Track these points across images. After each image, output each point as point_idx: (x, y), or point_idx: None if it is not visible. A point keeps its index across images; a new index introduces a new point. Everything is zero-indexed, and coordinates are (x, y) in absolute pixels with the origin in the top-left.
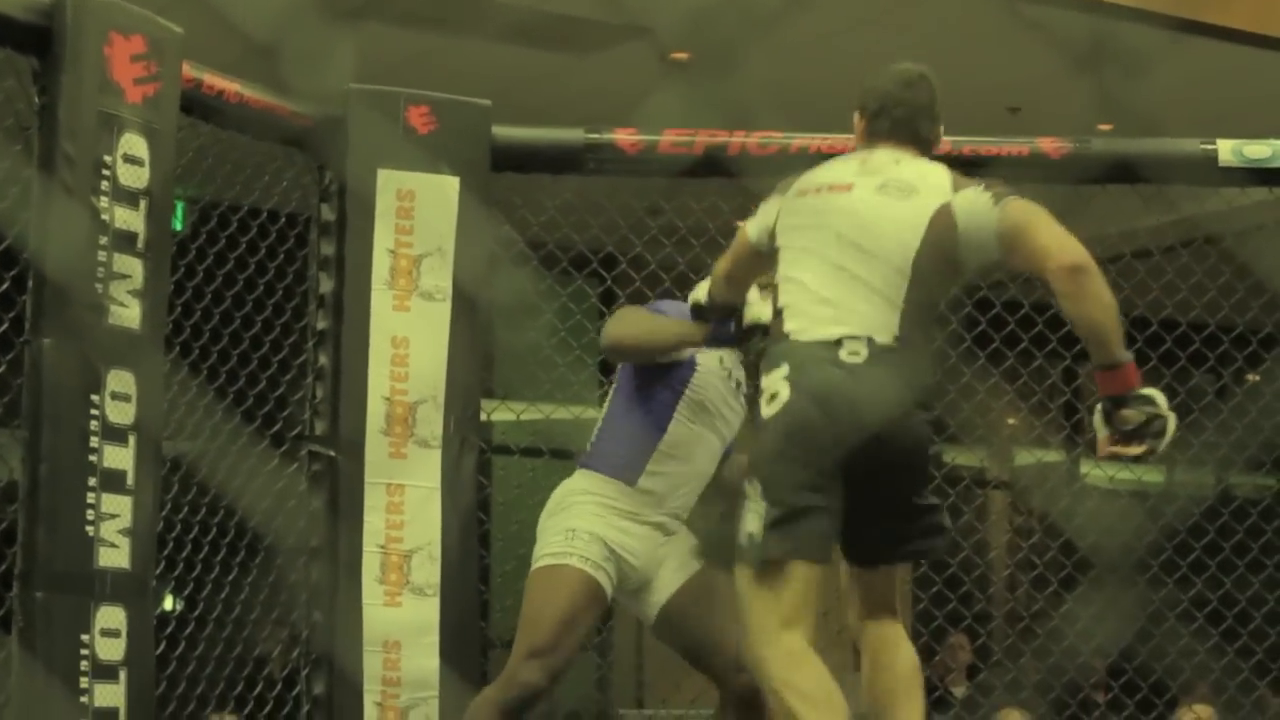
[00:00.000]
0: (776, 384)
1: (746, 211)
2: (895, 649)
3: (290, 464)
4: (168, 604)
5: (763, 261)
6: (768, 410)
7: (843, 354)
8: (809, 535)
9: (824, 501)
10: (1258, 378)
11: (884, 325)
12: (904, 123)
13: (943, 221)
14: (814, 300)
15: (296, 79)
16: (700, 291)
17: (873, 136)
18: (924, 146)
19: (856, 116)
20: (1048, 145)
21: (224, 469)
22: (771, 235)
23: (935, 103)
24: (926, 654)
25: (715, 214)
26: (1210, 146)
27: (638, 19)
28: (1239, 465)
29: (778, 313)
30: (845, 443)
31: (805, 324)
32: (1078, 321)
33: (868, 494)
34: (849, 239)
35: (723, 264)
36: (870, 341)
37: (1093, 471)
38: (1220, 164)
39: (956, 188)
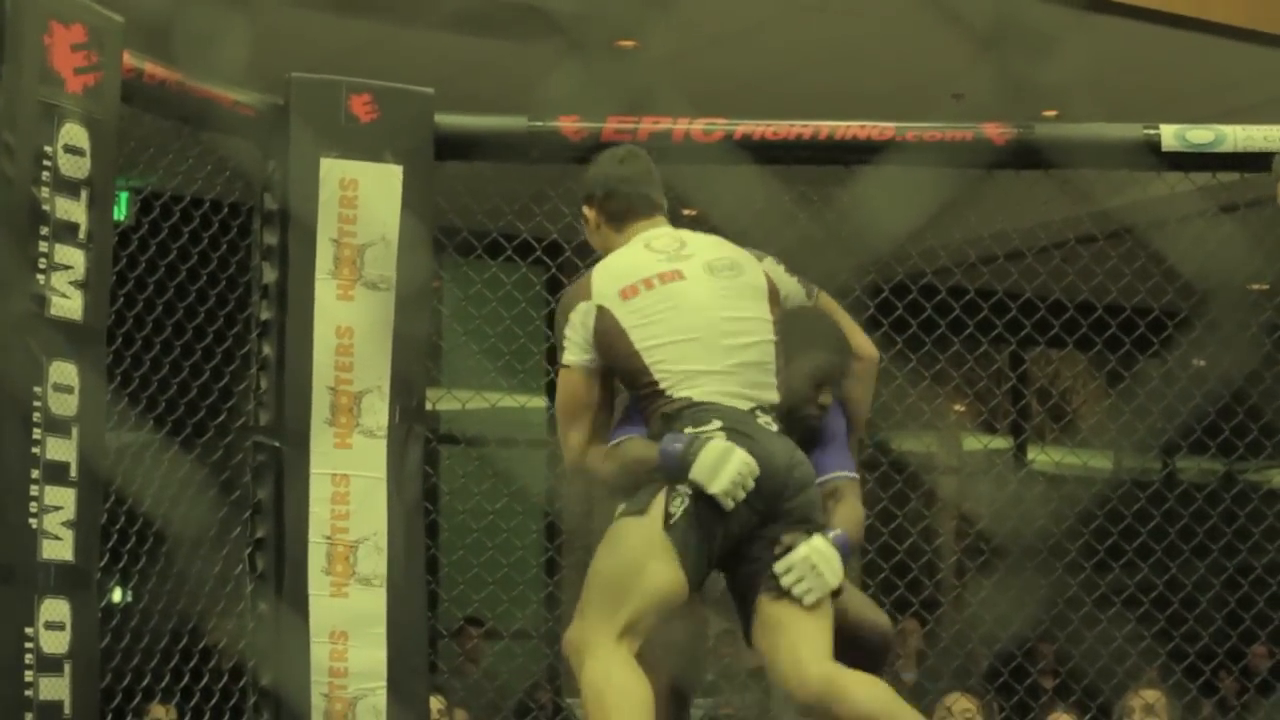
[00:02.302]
0: (712, 431)
1: (690, 199)
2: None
3: (235, 455)
4: (115, 596)
5: (602, 379)
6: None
7: (760, 421)
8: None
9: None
10: (1203, 363)
11: (772, 397)
12: (642, 197)
13: (772, 288)
14: (707, 377)
15: (190, 60)
16: None
17: (615, 219)
18: (665, 212)
19: (585, 209)
20: (991, 131)
21: (169, 460)
22: (593, 346)
23: (653, 171)
24: None
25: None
26: (1153, 131)
27: (584, 7)
28: (1184, 450)
29: (662, 393)
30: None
31: (719, 398)
32: (859, 403)
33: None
34: (718, 324)
35: (577, 428)
36: (775, 414)
37: (1039, 457)
38: (1164, 149)
39: (757, 257)
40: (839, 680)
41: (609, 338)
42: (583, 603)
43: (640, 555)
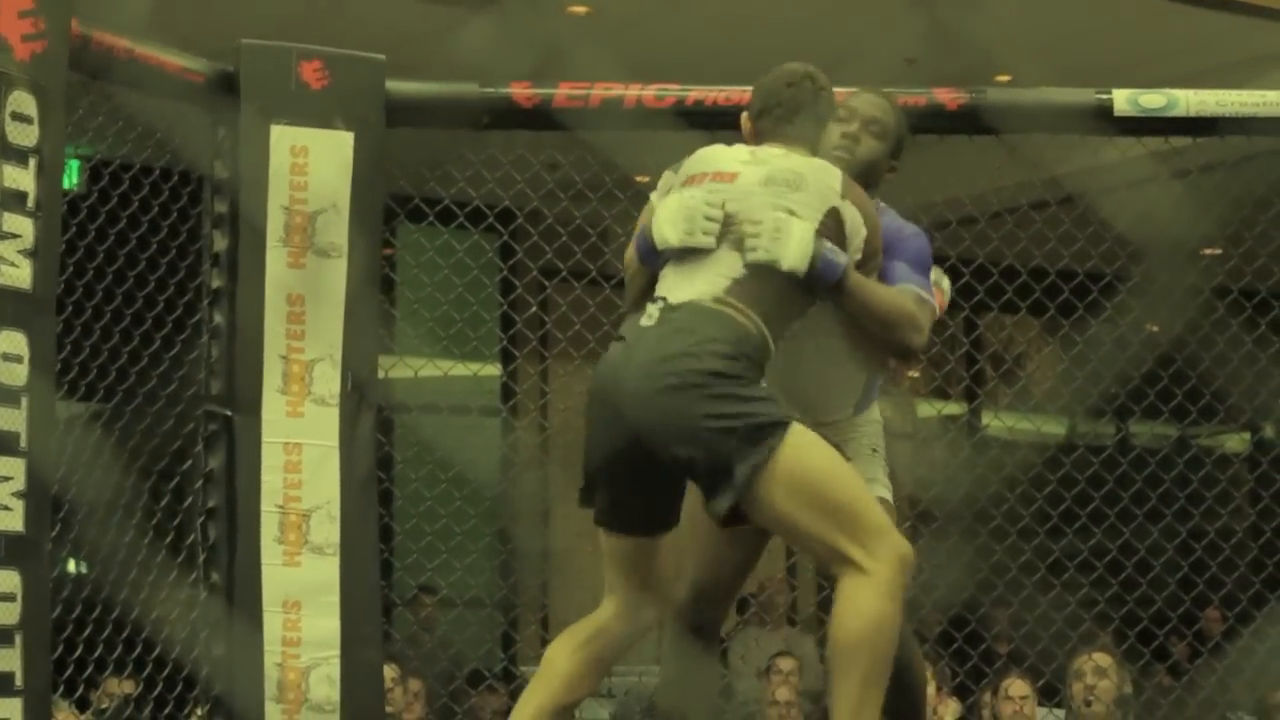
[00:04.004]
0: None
1: (641, 165)
2: (845, 605)
3: (186, 424)
4: (70, 567)
5: None
6: None
7: (642, 319)
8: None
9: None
10: (1156, 328)
11: (705, 291)
12: (785, 120)
13: (830, 224)
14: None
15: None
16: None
17: (759, 135)
18: (810, 145)
19: (744, 117)
20: (944, 96)
21: (120, 429)
22: None
23: (819, 102)
24: (829, 606)
25: (611, 167)
26: (1106, 96)
27: None
28: (1137, 414)
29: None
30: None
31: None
32: None
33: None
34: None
35: (631, 251)
36: (664, 303)
37: (993, 422)
38: (1116, 113)
39: (845, 193)
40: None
41: None
42: None
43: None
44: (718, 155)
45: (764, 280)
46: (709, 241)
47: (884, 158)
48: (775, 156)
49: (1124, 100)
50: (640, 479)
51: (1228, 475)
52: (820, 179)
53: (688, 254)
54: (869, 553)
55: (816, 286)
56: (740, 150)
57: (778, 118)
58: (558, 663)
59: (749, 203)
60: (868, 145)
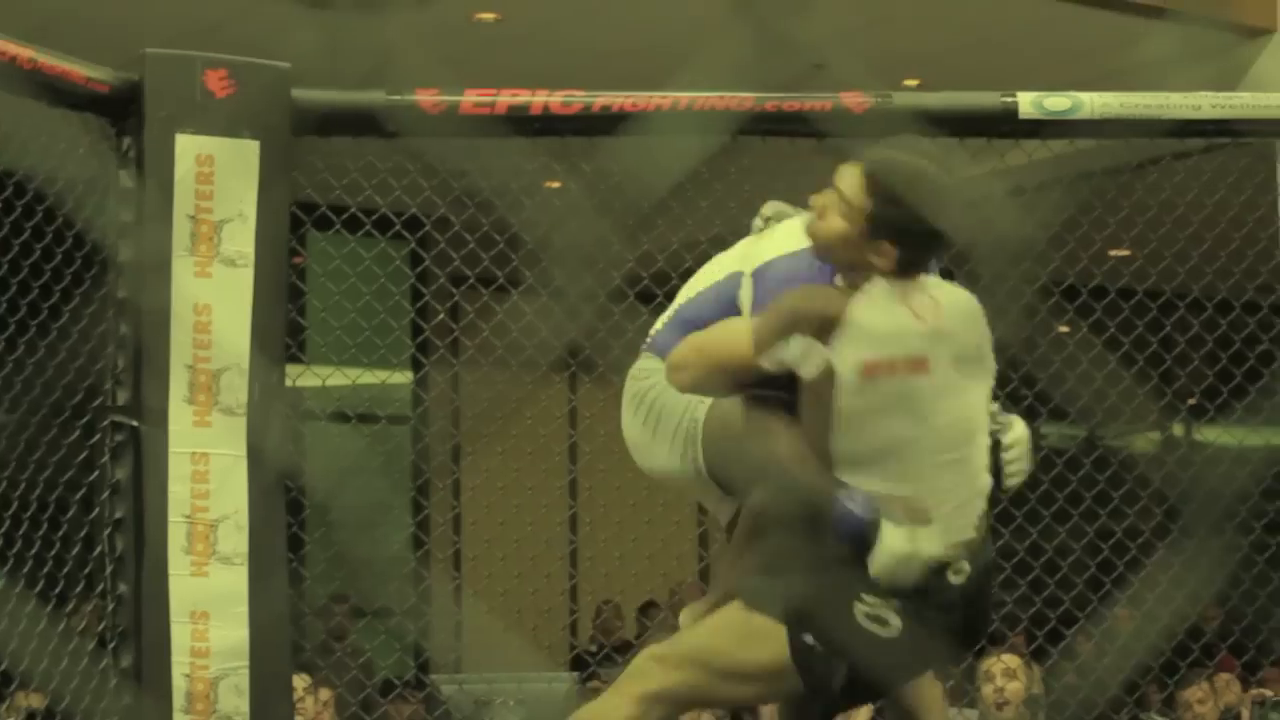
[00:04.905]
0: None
1: (551, 172)
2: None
3: (93, 435)
4: None
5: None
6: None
7: (952, 577)
8: None
9: None
10: (1066, 329)
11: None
12: (939, 255)
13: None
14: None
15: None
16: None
17: (903, 270)
18: None
19: (888, 244)
20: (850, 100)
21: (24, 440)
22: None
23: None
24: None
25: (519, 174)
26: (1010, 99)
27: None
28: (1044, 415)
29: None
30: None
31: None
32: None
33: None
34: (945, 436)
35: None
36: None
37: None
38: (1021, 116)
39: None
40: None
41: (816, 392)
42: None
43: None
44: (898, 327)
45: None
46: None
47: None
48: (934, 311)
49: (1029, 103)
50: None
51: (1134, 475)
52: (985, 336)
53: None
54: None
55: None
56: (903, 313)
57: (936, 255)
58: None
59: (956, 406)
60: None
